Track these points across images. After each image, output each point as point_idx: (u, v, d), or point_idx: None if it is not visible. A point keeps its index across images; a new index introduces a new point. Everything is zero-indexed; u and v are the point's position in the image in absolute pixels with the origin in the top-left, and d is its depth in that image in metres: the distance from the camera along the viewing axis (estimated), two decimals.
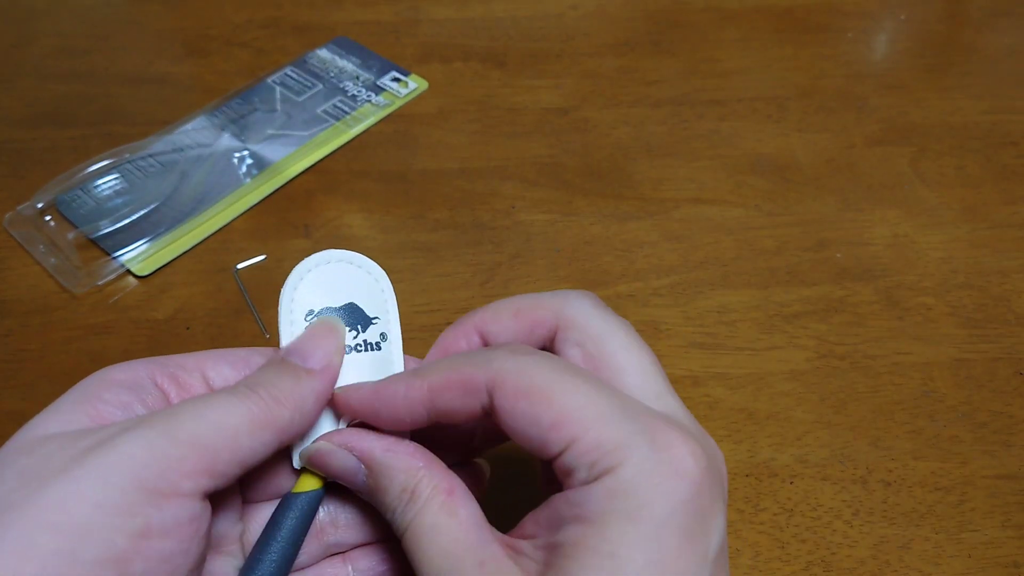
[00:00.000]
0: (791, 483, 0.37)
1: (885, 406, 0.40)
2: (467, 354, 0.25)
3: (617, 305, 0.43)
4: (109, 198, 0.47)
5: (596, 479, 0.22)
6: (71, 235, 0.45)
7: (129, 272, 0.44)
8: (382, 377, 0.27)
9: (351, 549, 0.28)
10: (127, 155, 0.49)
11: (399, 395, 0.25)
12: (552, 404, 0.23)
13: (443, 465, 0.25)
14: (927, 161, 0.51)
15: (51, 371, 0.40)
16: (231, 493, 0.27)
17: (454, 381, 0.24)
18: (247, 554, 0.27)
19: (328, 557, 0.28)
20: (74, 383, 0.25)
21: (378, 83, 0.55)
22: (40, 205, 0.46)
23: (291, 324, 0.27)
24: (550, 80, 0.56)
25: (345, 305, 0.28)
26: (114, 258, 0.44)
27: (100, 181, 0.48)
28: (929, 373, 0.41)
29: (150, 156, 0.49)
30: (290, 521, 0.26)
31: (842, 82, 0.56)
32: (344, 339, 0.27)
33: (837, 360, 0.42)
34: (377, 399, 0.26)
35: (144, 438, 0.22)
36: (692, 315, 0.43)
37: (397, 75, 0.55)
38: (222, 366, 0.27)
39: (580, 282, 0.44)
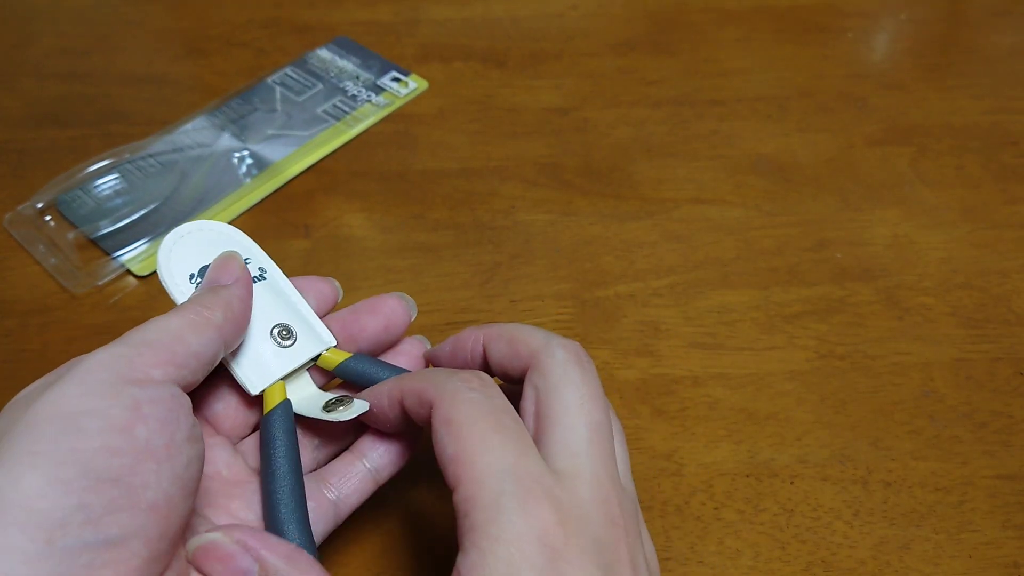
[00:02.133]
0: (791, 483, 0.37)
1: (885, 406, 0.40)
2: (439, 371, 0.28)
3: (617, 305, 0.43)
4: (109, 198, 0.47)
5: (469, 542, 0.23)
6: (71, 235, 0.45)
7: (129, 272, 0.44)
8: (280, 301, 0.32)
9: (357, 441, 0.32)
10: (127, 155, 0.49)
11: (384, 391, 0.29)
12: (459, 440, 0.25)
13: None
14: (927, 161, 0.51)
15: (51, 371, 0.40)
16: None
17: (417, 389, 0.27)
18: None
19: (340, 456, 0.32)
20: None
21: (378, 83, 0.55)
22: (40, 205, 0.46)
23: (180, 291, 0.31)
24: (550, 80, 0.56)
25: None
26: (114, 258, 0.44)
27: (100, 181, 0.48)
28: (929, 373, 0.41)
29: (150, 156, 0.49)
30: (276, 435, 0.29)
31: (842, 82, 0.56)
32: (243, 261, 0.31)
33: (837, 360, 0.42)
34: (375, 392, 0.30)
35: (104, 351, 0.25)
36: (692, 315, 0.43)
37: (397, 75, 0.55)
38: None
39: (580, 282, 0.44)
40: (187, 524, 0.25)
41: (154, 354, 0.25)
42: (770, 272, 0.45)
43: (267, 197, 0.48)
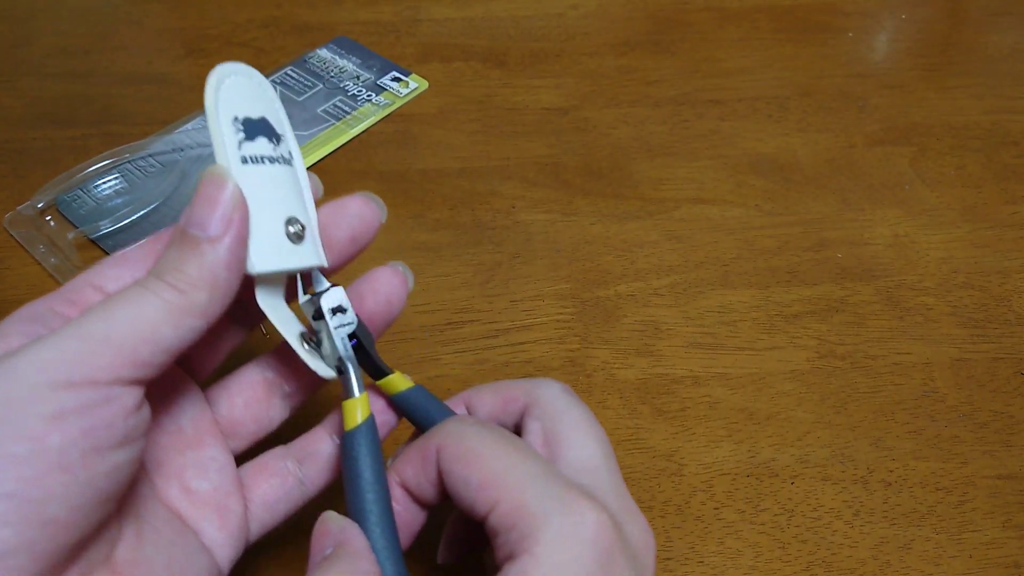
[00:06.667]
0: (792, 483, 0.37)
1: (886, 406, 0.40)
2: (432, 429, 0.28)
3: (617, 305, 0.43)
4: (109, 198, 0.47)
5: (519, 549, 0.24)
6: (71, 235, 0.45)
7: None
8: (296, 195, 0.27)
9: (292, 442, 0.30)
10: (127, 155, 0.49)
11: (409, 466, 0.28)
12: (481, 467, 0.25)
13: None
14: (927, 161, 0.51)
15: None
16: (189, 391, 0.28)
17: (414, 455, 0.27)
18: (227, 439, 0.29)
19: (271, 450, 0.30)
20: None
21: (378, 83, 0.55)
22: (40, 205, 0.46)
23: (221, 133, 0.26)
24: (550, 80, 0.56)
25: (260, 119, 0.28)
26: None
27: (100, 181, 0.48)
28: (929, 373, 0.41)
29: (150, 156, 0.49)
30: (362, 463, 0.27)
31: (842, 82, 0.56)
32: (234, 187, 0.25)
33: (838, 360, 0.42)
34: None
35: (51, 342, 0.22)
36: (692, 315, 0.43)
37: (397, 75, 0.55)
38: (116, 269, 0.26)
39: (580, 282, 0.44)
40: (102, 525, 0.23)
41: (110, 355, 0.22)
42: (770, 272, 0.45)
43: None
